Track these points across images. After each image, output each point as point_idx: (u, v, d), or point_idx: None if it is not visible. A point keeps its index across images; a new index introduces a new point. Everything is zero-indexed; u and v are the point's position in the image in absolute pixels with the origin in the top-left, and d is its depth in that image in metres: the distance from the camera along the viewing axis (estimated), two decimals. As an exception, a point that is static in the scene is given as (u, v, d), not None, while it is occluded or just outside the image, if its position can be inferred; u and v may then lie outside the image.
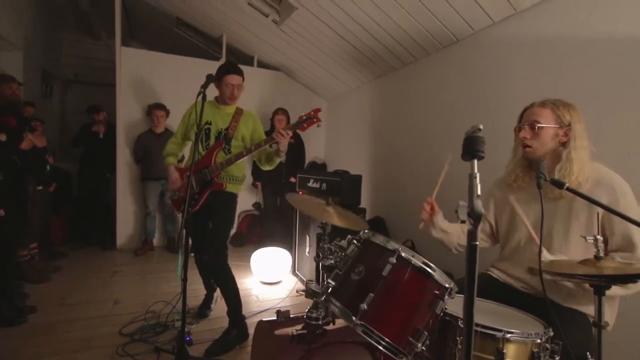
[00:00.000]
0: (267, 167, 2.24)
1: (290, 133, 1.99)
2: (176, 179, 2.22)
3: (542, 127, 1.34)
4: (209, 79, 1.96)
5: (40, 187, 3.24)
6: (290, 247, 3.42)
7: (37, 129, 3.32)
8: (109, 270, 3.40)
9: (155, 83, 4.24)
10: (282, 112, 4.10)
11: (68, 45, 5.54)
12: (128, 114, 4.12)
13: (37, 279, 2.95)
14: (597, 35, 1.88)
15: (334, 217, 1.50)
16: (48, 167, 3.36)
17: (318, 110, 2.04)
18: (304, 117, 2.01)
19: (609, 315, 1.27)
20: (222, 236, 2.19)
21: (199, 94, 1.88)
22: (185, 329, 1.80)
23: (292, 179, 3.94)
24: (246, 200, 4.63)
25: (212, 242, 2.17)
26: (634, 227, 1.18)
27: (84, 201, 4.18)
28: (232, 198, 2.25)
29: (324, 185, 3.13)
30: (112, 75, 4.06)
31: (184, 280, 1.75)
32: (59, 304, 2.59)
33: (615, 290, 1.19)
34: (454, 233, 1.54)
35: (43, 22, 4.51)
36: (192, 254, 3.91)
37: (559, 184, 1.11)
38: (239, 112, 2.23)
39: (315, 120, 2.02)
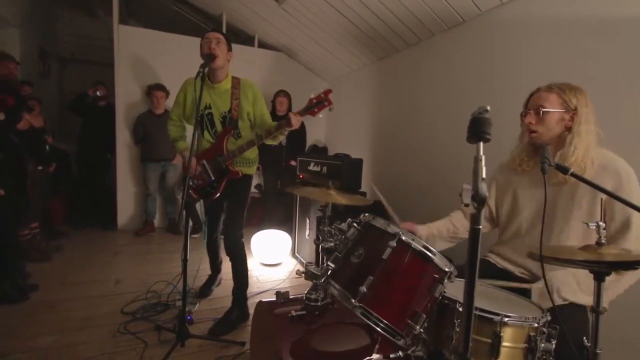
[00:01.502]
0: (270, 142, 2.12)
1: (301, 119, 1.89)
2: (194, 165, 2.13)
3: (548, 112, 1.31)
4: (209, 58, 1.92)
5: (40, 167, 3.23)
6: (290, 229, 3.43)
7: (35, 108, 3.28)
8: (110, 250, 3.43)
9: (154, 63, 4.16)
10: (284, 94, 4.04)
11: (64, 23, 5.42)
12: (127, 94, 4.07)
13: (38, 258, 2.98)
14: (608, 17, 1.82)
15: (337, 197, 1.50)
16: (47, 147, 3.34)
17: (329, 92, 1.86)
18: (315, 101, 1.86)
19: (605, 300, 1.28)
20: (240, 217, 2.19)
21: (197, 74, 1.84)
22: (186, 308, 1.82)
23: (293, 162, 3.92)
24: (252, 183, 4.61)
25: (231, 223, 2.18)
26: (634, 214, 1.17)
27: (83, 181, 4.18)
28: (248, 180, 2.23)
29: (325, 168, 3.11)
30: (111, 55, 3.98)
31: (185, 260, 1.76)
32: (61, 283, 2.62)
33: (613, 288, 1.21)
34: (440, 232, 1.58)
35: (38, -1, 4.40)
36: (195, 236, 3.97)
37: (563, 169, 1.09)
38: (236, 84, 2.09)
39: (327, 103, 1.85)
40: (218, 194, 2.12)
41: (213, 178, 2.11)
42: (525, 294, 1.31)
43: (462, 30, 2.79)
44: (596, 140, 1.29)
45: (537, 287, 1.29)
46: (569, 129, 1.31)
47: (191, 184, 2.20)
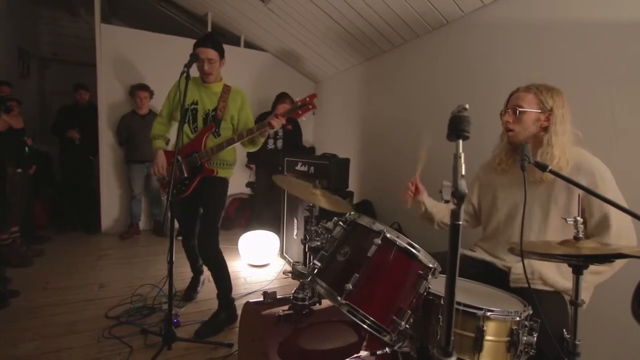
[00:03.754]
0: (250, 149, 2.15)
1: (284, 120, 1.92)
2: (162, 165, 2.09)
3: (524, 111, 1.36)
4: (193, 58, 1.91)
5: (19, 170, 3.14)
6: (278, 230, 3.43)
7: (14, 109, 3.19)
8: (94, 254, 3.36)
9: (138, 62, 4.10)
10: (290, 101, 3.98)
11: (45, 22, 5.28)
12: (110, 94, 3.99)
13: (19, 263, 2.90)
14: (586, 20, 1.88)
15: (321, 199, 1.50)
16: (27, 149, 3.25)
17: (314, 96, 1.94)
18: (299, 104, 1.92)
19: (585, 293, 1.32)
20: (215, 221, 2.14)
21: (182, 74, 1.83)
22: (173, 311, 1.80)
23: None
24: (239, 180, 4.57)
25: (205, 227, 2.13)
26: (611, 209, 1.21)
27: (66, 184, 4.08)
28: (224, 183, 2.20)
29: (312, 168, 3.12)
30: (93, 54, 3.90)
31: (170, 262, 1.74)
32: (43, 288, 2.56)
33: (590, 278, 1.24)
34: (440, 211, 1.60)
35: (16, -4, 4.28)
36: (180, 237, 3.92)
37: (542, 166, 1.12)
38: (226, 90, 2.12)
39: (311, 107, 1.92)
40: (189, 192, 2.07)
41: (186, 175, 2.07)
42: (505, 278, 1.35)
43: (445, 32, 2.84)
44: (572, 141, 1.33)
45: (516, 267, 1.31)
46: (544, 129, 1.35)
47: (165, 181, 2.16)
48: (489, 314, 1.04)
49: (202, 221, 2.17)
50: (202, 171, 2.07)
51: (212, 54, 2.02)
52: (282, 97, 3.93)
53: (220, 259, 2.14)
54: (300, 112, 1.92)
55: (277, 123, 1.91)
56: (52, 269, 2.92)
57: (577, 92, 1.75)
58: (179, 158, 2.07)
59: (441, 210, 1.60)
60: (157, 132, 2.21)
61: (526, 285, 1.13)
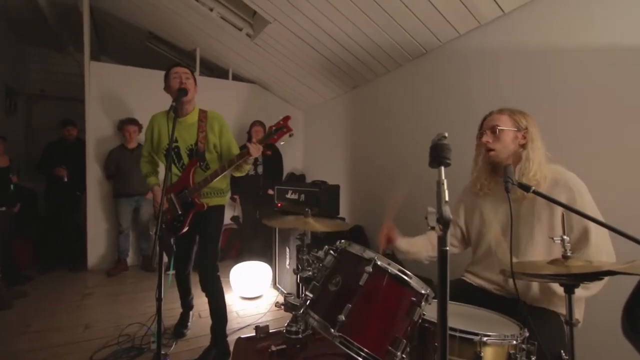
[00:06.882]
0: (237, 174, 2.12)
1: (261, 147, 1.89)
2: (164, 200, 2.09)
3: (503, 130, 1.41)
4: (181, 92, 1.94)
5: (3, 208, 3.07)
6: (270, 260, 3.37)
7: (-1, 147, 3.17)
8: (80, 293, 3.23)
9: (126, 98, 4.14)
10: (260, 124, 4.10)
11: (33, 60, 5.34)
12: (98, 129, 3.99)
13: (-2, 306, 2.77)
14: (551, 47, 2.00)
15: (315, 225, 1.50)
16: (12, 186, 3.20)
17: (287, 118, 1.88)
18: (274, 128, 1.88)
19: (578, 312, 1.31)
20: (213, 249, 2.13)
21: (170, 108, 1.85)
22: (162, 351, 1.72)
23: (271, 192, 3.91)
24: (225, 213, 4.52)
25: (205, 256, 2.13)
26: (590, 224, 1.23)
27: (51, 221, 3.98)
28: (219, 210, 2.20)
29: (302, 196, 3.12)
30: (81, 90, 3.94)
31: (159, 299, 1.68)
32: (23, 332, 2.43)
33: (578, 292, 1.24)
34: (420, 247, 1.58)
35: (4, 34, 4.34)
36: (170, 272, 3.81)
37: (525, 187, 1.15)
38: (202, 118, 2.09)
39: (285, 130, 1.86)
40: (185, 228, 2.06)
41: (180, 212, 2.07)
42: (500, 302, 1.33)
43: (425, 60, 2.96)
44: (546, 158, 1.38)
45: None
46: (522, 146, 1.40)
47: (166, 217, 2.13)
48: (485, 339, 1.02)
49: (201, 247, 2.17)
50: (193, 206, 2.05)
51: (187, 70, 2.06)
52: (254, 124, 4.11)
53: (218, 287, 2.11)
54: (275, 137, 1.87)
55: (255, 150, 1.87)
56: (34, 311, 2.79)
57: (544, 113, 1.84)
58: (172, 196, 2.08)
59: (421, 247, 1.58)
60: (146, 171, 2.28)
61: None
